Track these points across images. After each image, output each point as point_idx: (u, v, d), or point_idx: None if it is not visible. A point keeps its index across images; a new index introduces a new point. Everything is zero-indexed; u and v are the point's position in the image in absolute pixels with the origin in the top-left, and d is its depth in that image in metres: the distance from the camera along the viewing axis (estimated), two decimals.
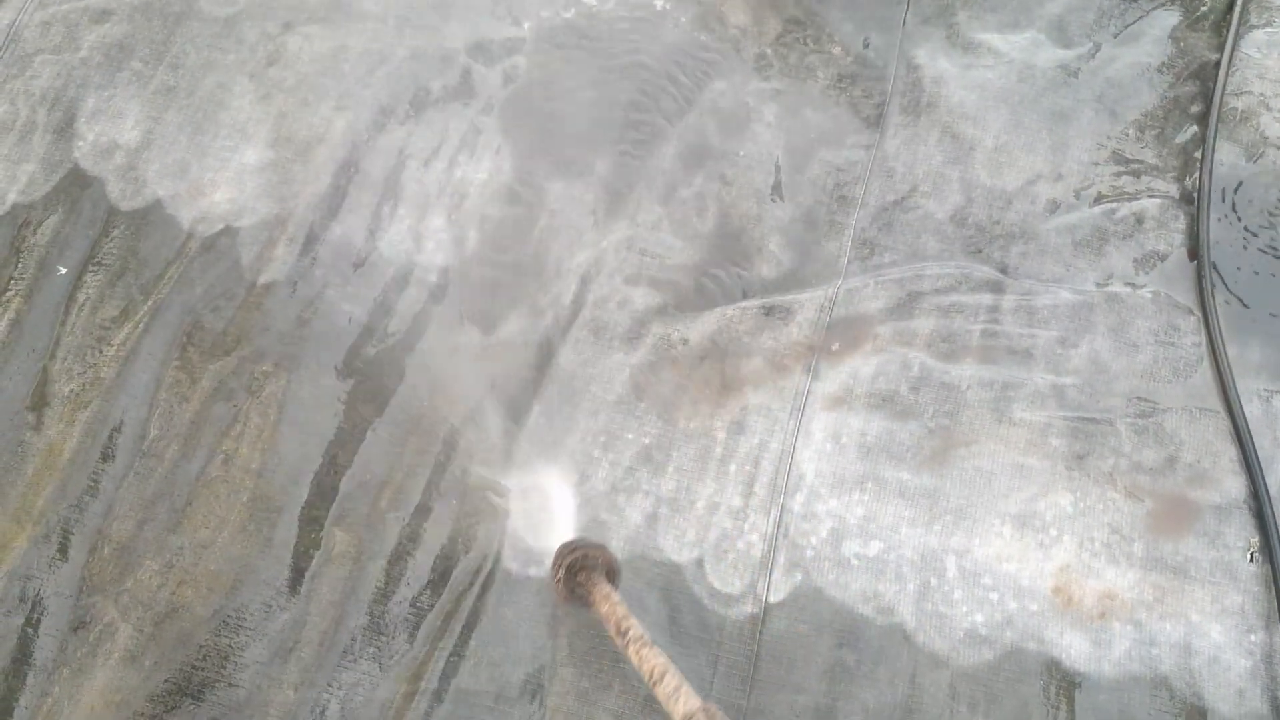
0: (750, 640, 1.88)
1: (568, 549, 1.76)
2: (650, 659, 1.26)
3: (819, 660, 1.86)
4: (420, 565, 1.94)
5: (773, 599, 1.90)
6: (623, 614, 1.49)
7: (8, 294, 2.01)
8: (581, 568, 1.72)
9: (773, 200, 2.20)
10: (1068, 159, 2.25)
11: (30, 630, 1.85)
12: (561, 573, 1.73)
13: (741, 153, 2.24)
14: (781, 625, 1.90)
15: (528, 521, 2.01)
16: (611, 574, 1.75)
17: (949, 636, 1.87)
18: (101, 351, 1.99)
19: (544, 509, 2.02)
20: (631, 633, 1.40)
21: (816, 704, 1.83)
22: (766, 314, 2.13)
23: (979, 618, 1.88)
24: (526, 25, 2.30)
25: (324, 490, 1.97)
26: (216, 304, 2.03)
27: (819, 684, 1.84)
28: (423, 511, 1.98)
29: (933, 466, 2.00)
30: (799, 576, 1.92)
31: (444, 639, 1.91)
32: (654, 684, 1.21)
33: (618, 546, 1.92)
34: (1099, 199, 2.22)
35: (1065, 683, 1.80)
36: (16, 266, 2.03)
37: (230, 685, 1.85)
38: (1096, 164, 2.23)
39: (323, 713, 1.85)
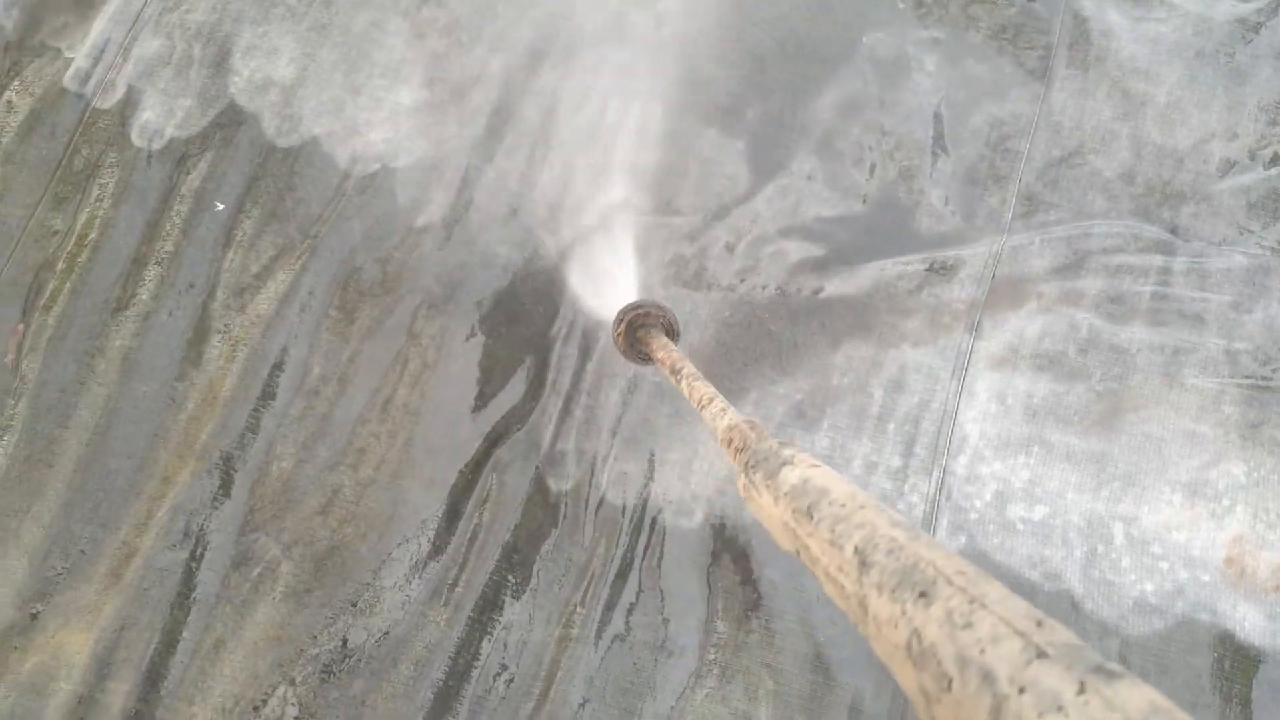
0: None
1: (630, 308, 1.78)
2: (699, 389, 1.34)
3: None
4: (576, 513, 1.91)
5: None
6: (677, 357, 1.55)
7: (166, 228, 1.99)
8: (641, 324, 1.75)
9: (934, 153, 2.13)
10: (1243, 118, 2.15)
11: (194, 565, 1.86)
12: (623, 327, 1.76)
13: (901, 103, 2.16)
14: None
15: (680, 472, 1.98)
16: (670, 330, 1.75)
17: (1117, 605, 1.82)
18: (261, 289, 1.97)
19: (691, 459, 1.99)
20: (685, 370, 1.47)
21: None
22: (927, 269, 2.07)
23: (1148, 586, 1.82)
24: None
25: (481, 433, 1.95)
26: (374, 245, 2.01)
27: None
28: (577, 459, 1.95)
29: (1100, 431, 1.94)
30: (963, 539, 1.87)
31: (599, 587, 1.88)
32: (702, 408, 1.29)
33: None
34: (1275, 160, 2.12)
35: (1241, 657, 1.74)
36: (175, 201, 2.01)
37: (385, 621, 1.84)
38: (1275, 123, 2.13)
39: (475, 652, 1.84)
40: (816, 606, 1.89)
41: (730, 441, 1.14)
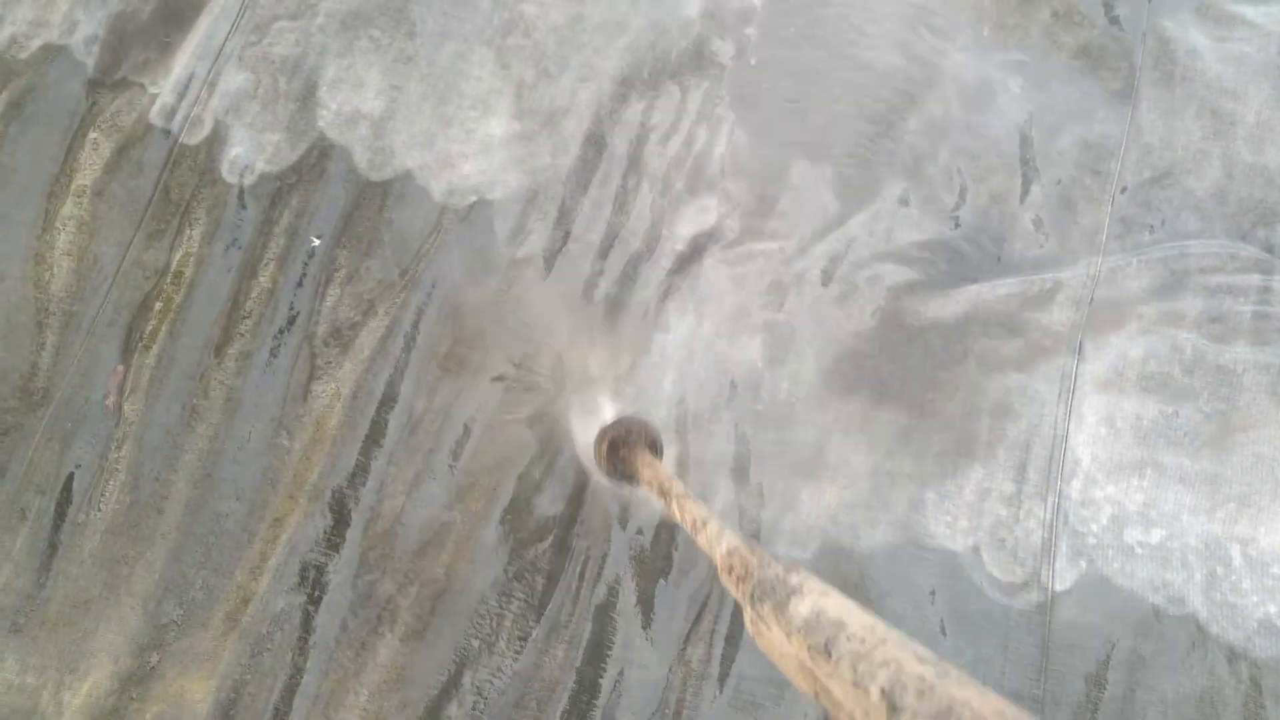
0: (1039, 629, 1.83)
1: (609, 428, 1.75)
2: (692, 510, 1.27)
3: (1113, 650, 1.80)
4: (689, 547, 1.89)
5: (1059, 587, 1.85)
6: (665, 476, 1.48)
7: (262, 265, 1.96)
8: (623, 443, 1.72)
9: (1024, 176, 2.13)
10: None
11: (311, 608, 1.82)
12: (605, 447, 1.73)
13: (988, 126, 2.17)
14: (1071, 614, 1.84)
15: (788, 501, 1.96)
16: (653, 446, 1.71)
17: (1243, 627, 1.81)
18: (364, 324, 1.94)
19: (799, 488, 1.97)
20: (675, 490, 1.40)
21: (1112, 694, 1.78)
22: (1024, 292, 2.06)
23: (1272, 608, 1.82)
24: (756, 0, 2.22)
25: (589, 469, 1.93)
26: (476, 277, 1.98)
27: (1114, 674, 1.79)
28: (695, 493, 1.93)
29: (1212, 452, 1.93)
30: (1083, 564, 1.87)
31: (720, 623, 1.86)
32: (696, 532, 1.21)
33: (884, 532, 1.88)
34: None
35: None
36: (269, 238, 1.98)
37: (507, 656, 1.81)
38: None
39: (594, 687, 1.81)
40: (938, 640, 1.88)
41: (730, 569, 1.06)
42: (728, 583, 1.06)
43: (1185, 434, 1.95)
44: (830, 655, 0.75)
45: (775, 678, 1.86)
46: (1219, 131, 2.17)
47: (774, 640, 0.88)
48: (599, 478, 1.85)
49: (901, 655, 0.67)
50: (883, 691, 0.65)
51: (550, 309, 2.00)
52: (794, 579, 0.89)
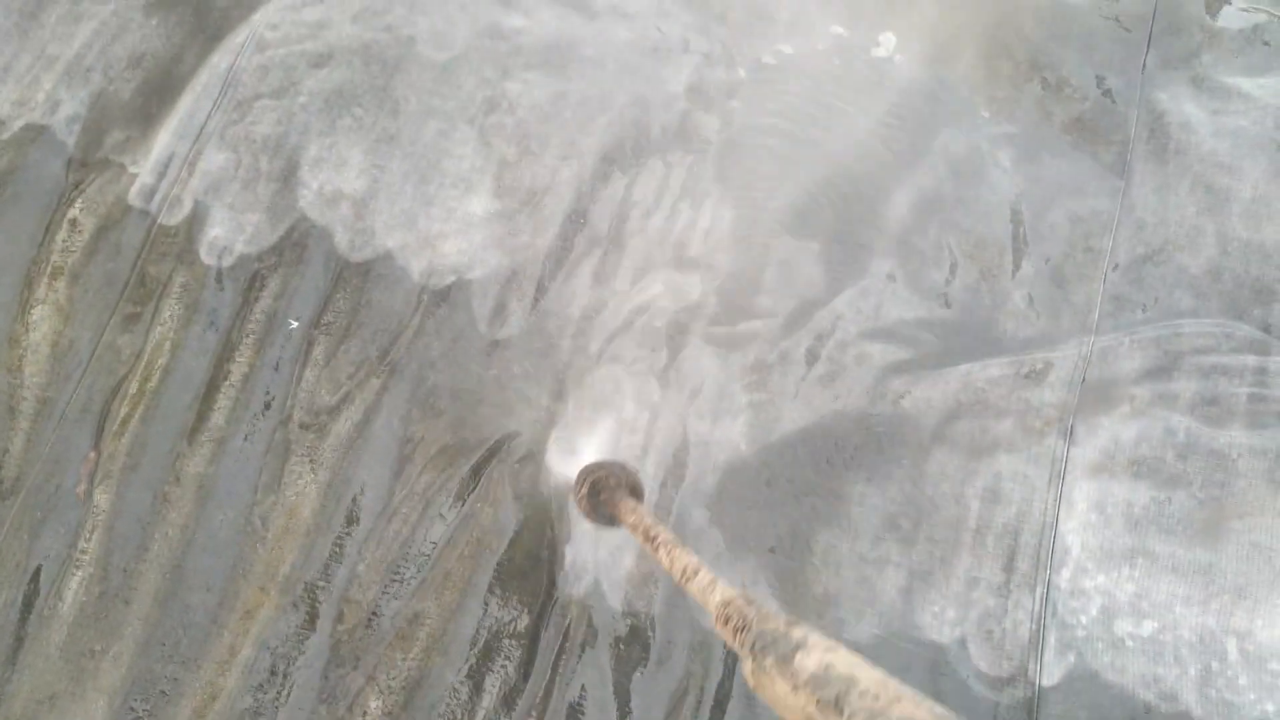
0: None
1: (589, 470, 1.71)
2: (681, 559, 1.23)
3: None
4: (668, 638, 1.84)
5: (1046, 682, 1.79)
6: (650, 523, 1.44)
7: (239, 349, 1.94)
8: (604, 487, 1.68)
9: (1015, 251, 2.09)
10: None
11: (278, 706, 1.78)
12: (585, 489, 1.68)
13: (978, 200, 2.13)
14: (1058, 711, 1.79)
15: (767, 592, 1.92)
16: (634, 490, 1.67)
17: None
18: (340, 410, 1.91)
19: (783, 583, 1.93)
20: (661, 537, 1.36)
21: None
22: (1014, 372, 2.02)
23: (1270, 706, 1.76)
24: (742, 71, 2.20)
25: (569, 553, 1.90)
26: (455, 360, 1.95)
27: None
28: (662, 580, 1.89)
29: (1206, 540, 1.88)
30: (1072, 658, 1.81)
31: (695, 715, 1.81)
32: (686, 581, 1.17)
33: (870, 623, 1.83)
34: None
35: None
36: (247, 320, 1.96)
37: None
38: None
39: None
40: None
41: (727, 619, 1.03)
42: (723, 632, 1.03)
43: (1178, 521, 1.89)
44: (842, 711, 0.73)
45: None
46: (1214, 207, 2.13)
47: (777, 693, 0.85)
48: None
49: (918, 714, 0.65)
50: None
51: (528, 388, 1.97)
52: (797, 633, 0.86)
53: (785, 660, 0.84)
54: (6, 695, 1.78)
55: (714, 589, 1.12)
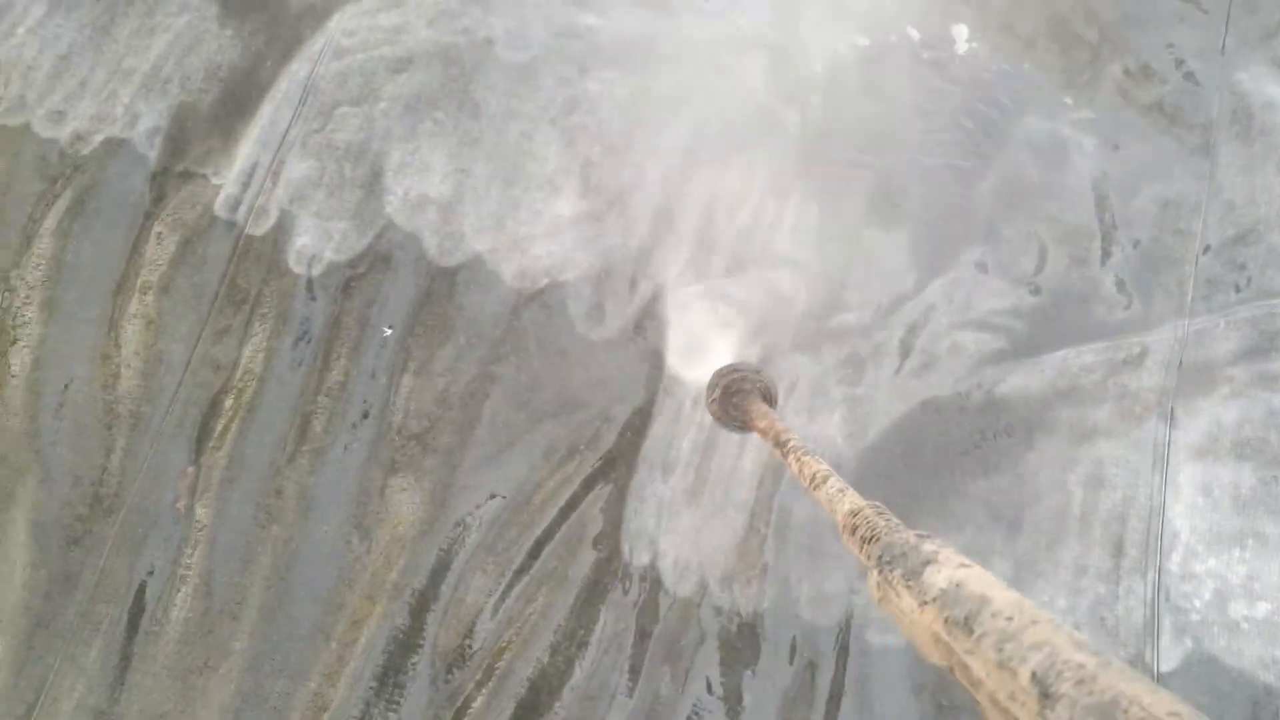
0: None
1: (724, 372, 1.69)
2: (812, 465, 1.19)
3: None
4: (777, 636, 1.82)
5: (1164, 668, 1.77)
6: (781, 428, 1.41)
7: (334, 358, 1.92)
8: (737, 390, 1.66)
9: (1103, 236, 2.07)
10: None
11: (391, 715, 1.76)
12: (719, 393, 1.66)
13: (1064, 186, 2.12)
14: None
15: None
16: (767, 395, 1.64)
17: None
18: (441, 414, 1.89)
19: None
20: (791, 443, 1.33)
21: None
22: (1110, 357, 2.00)
23: None
24: (819, 65, 2.19)
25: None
26: (554, 362, 1.94)
27: None
28: (768, 576, 1.87)
29: None
30: (1189, 643, 1.79)
31: (809, 711, 1.79)
32: (815, 488, 1.13)
33: None
34: None
35: None
36: (340, 329, 1.94)
37: None
38: None
39: None
40: None
41: (854, 529, 0.99)
42: (850, 544, 0.99)
43: None
44: (971, 631, 0.68)
45: None
46: None
47: (903, 608, 0.80)
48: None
49: (1056, 639, 0.61)
50: (1034, 676, 0.58)
51: (630, 389, 1.95)
52: (928, 547, 0.81)
53: (914, 574, 0.79)
54: (115, 717, 1.76)
55: (843, 497, 1.08)
